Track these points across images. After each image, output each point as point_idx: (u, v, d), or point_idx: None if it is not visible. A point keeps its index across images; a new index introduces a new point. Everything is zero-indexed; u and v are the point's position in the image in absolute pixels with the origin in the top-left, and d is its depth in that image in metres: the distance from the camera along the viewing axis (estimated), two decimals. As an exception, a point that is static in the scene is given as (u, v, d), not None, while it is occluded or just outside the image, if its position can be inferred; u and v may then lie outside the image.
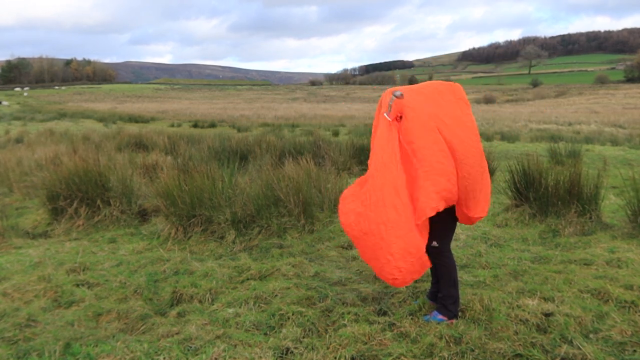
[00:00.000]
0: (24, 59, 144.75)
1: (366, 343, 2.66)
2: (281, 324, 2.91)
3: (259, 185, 5.23)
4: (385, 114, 2.76)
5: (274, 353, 2.59)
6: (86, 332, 2.88)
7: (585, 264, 3.83)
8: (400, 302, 3.21)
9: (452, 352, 2.55)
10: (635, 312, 2.94)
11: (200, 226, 4.78)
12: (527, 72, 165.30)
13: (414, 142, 2.70)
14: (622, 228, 4.65)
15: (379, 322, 2.90)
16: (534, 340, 2.63)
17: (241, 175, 6.33)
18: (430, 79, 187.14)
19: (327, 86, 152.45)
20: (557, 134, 18.39)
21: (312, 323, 2.90)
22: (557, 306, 3.01)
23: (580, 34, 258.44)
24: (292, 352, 2.61)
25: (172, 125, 26.05)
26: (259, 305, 3.19)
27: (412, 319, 2.93)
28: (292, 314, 2.99)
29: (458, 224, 3.06)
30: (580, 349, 2.53)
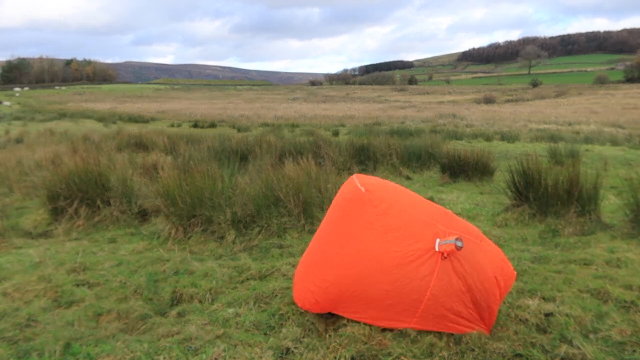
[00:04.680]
0: (24, 59, 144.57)
1: (366, 343, 2.66)
2: (281, 324, 2.91)
3: (259, 185, 5.23)
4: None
5: (274, 353, 2.59)
6: (86, 332, 2.88)
7: (585, 264, 3.83)
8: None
9: (452, 352, 2.56)
10: (635, 312, 2.94)
11: (200, 226, 4.78)
12: (526, 72, 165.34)
13: None
14: (622, 228, 4.65)
15: (379, 322, 2.90)
16: (534, 340, 2.63)
17: (241, 175, 6.32)
18: (430, 79, 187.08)
19: (327, 86, 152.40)
20: (556, 134, 18.39)
21: (312, 323, 2.90)
22: (557, 306, 3.01)
23: (580, 34, 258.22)
24: (292, 352, 2.61)
25: (172, 125, 26.05)
26: (259, 305, 3.19)
27: (412, 319, 2.93)
28: (292, 314, 2.99)
29: None
30: (580, 349, 2.53)
